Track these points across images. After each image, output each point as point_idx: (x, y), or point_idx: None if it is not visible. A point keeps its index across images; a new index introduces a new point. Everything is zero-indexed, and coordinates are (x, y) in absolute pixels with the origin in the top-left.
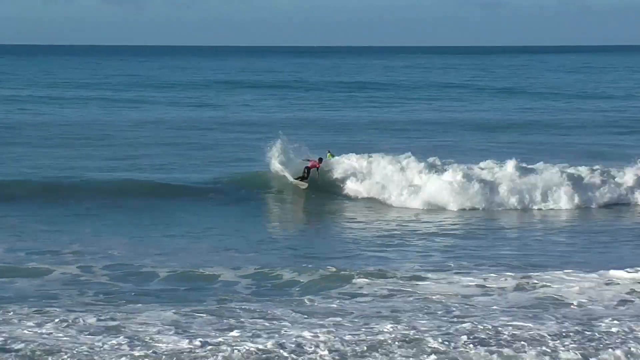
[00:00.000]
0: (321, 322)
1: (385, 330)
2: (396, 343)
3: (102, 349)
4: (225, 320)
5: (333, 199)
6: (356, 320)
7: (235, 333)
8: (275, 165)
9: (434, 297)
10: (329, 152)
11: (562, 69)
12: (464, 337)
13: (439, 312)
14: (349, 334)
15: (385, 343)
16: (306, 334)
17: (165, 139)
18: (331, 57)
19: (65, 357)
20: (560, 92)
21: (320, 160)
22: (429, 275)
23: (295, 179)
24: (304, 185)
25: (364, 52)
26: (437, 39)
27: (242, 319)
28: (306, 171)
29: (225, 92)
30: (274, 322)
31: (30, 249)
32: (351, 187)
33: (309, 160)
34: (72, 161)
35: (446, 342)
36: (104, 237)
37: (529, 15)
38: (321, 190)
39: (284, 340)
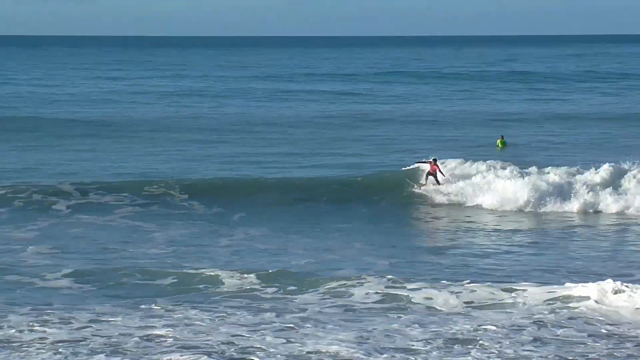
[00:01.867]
0: None
1: None
2: None
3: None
4: None
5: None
6: None
7: None
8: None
9: None
10: (502, 137)
11: None
12: None
13: None
14: None
15: None
16: None
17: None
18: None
19: None
20: None
21: (435, 161)
22: None
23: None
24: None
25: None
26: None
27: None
28: (426, 177)
29: (389, 82)
30: None
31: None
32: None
33: (423, 162)
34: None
35: None
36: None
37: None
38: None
39: None
